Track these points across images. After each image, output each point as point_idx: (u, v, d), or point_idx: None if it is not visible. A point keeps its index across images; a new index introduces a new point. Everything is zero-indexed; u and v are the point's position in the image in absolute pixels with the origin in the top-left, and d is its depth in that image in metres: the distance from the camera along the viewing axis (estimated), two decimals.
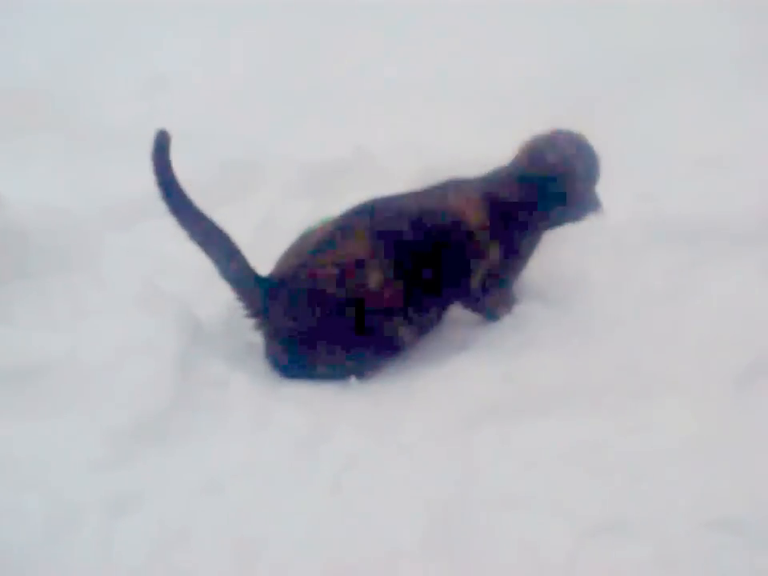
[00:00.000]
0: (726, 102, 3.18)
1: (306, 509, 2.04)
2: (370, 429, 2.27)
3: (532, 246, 2.69)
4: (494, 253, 2.59)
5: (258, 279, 2.50)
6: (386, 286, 2.47)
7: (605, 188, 2.64)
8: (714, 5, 3.51)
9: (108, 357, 2.34)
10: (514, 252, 2.64)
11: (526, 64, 3.11)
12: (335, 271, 2.46)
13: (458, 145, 2.94)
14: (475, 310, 2.67)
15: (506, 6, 3.21)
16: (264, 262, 2.67)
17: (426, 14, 3.34)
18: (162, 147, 2.45)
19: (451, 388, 2.38)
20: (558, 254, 2.73)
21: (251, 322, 2.50)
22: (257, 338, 2.53)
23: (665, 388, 2.33)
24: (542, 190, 2.62)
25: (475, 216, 2.58)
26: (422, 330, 2.58)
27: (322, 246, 2.50)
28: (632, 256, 2.74)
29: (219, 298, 2.58)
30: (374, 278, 2.47)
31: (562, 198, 2.63)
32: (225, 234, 2.51)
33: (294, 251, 2.55)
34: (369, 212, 2.54)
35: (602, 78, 3.14)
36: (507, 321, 2.61)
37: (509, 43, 3.18)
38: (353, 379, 2.46)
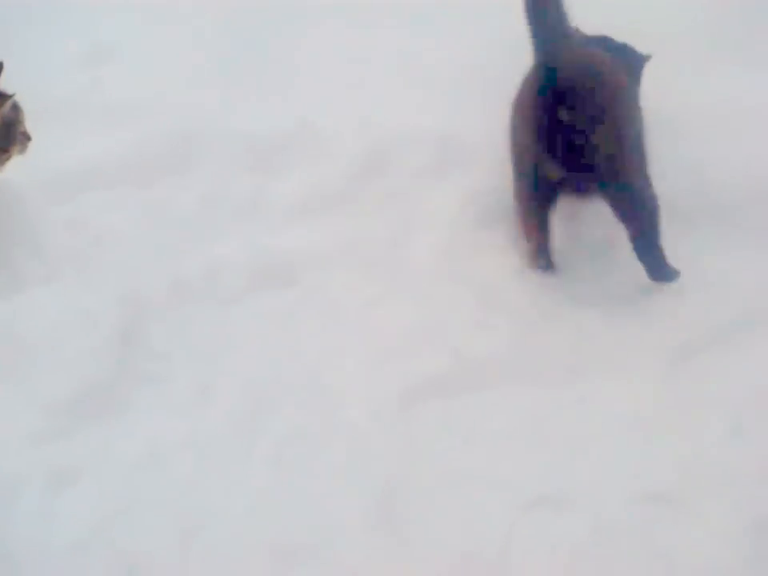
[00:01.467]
0: None
1: (247, 483, 2.05)
2: (311, 405, 2.27)
3: None
4: None
5: None
6: None
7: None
8: None
9: (48, 329, 2.33)
10: None
11: (479, 45, 3.08)
12: None
13: (405, 121, 2.92)
14: None
15: None
16: (207, 234, 2.67)
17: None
18: None
19: (395, 364, 2.37)
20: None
21: None
22: (198, 311, 2.51)
23: (603, 365, 2.36)
24: None
25: None
26: None
27: None
28: None
29: (160, 271, 2.55)
30: None
31: None
32: None
33: None
34: None
35: None
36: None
37: (462, 23, 3.16)
38: None
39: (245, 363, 2.38)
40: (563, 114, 2.47)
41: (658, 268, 2.54)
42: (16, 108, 2.56)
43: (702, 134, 2.82)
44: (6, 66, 2.51)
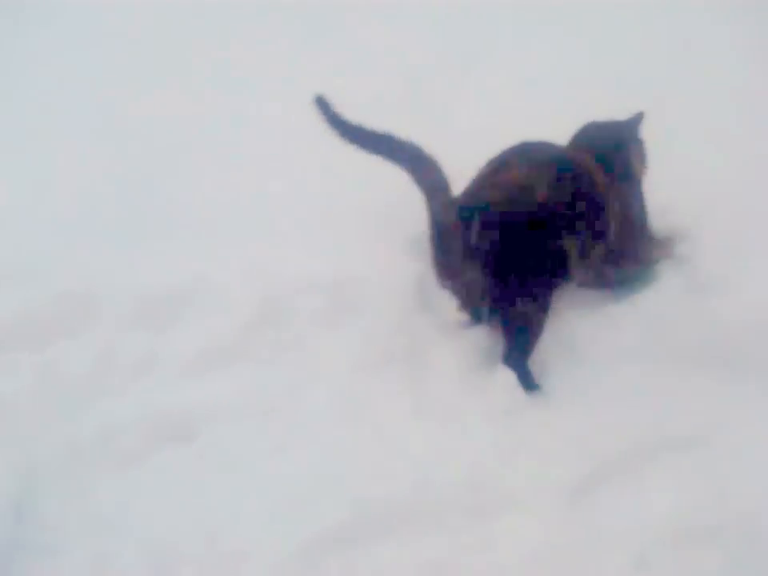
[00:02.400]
0: None
1: None
2: (209, 571, 2.25)
3: None
4: None
5: None
6: None
7: None
8: None
9: None
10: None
11: (370, 186, 3.16)
12: None
13: (299, 268, 2.96)
14: None
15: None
16: (103, 395, 2.64)
17: (264, 139, 3.37)
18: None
19: (294, 517, 2.35)
20: None
21: None
22: (94, 475, 2.47)
23: (504, 503, 2.37)
24: None
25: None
26: None
27: None
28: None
29: (54, 437, 2.52)
30: None
31: None
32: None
33: None
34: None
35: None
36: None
37: (350, 164, 3.23)
38: None
39: (142, 528, 2.33)
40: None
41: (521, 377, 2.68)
42: None
43: None
44: None
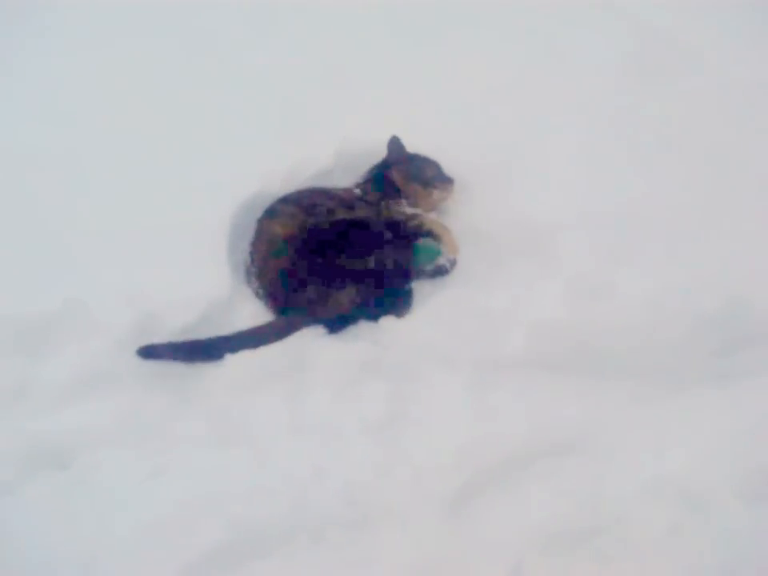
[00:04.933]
0: None
1: None
2: None
3: None
4: None
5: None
6: None
7: None
8: None
9: None
10: None
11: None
12: None
13: (174, 289, 2.93)
14: None
15: None
16: None
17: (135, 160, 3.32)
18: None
19: (172, 542, 2.33)
20: None
21: None
22: None
23: (382, 517, 2.38)
24: None
25: None
26: None
27: None
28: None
29: None
30: None
31: None
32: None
33: None
34: None
35: None
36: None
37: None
38: None
39: (14, 561, 2.29)
40: None
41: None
42: None
43: None
44: None
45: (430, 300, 3.08)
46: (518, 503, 2.42)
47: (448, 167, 3.33)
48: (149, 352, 2.80)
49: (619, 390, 2.67)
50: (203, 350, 2.84)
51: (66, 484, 2.49)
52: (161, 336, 2.84)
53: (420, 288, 3.13)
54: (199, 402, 2.70)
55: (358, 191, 3.28)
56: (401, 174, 3.31)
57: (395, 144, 3.32)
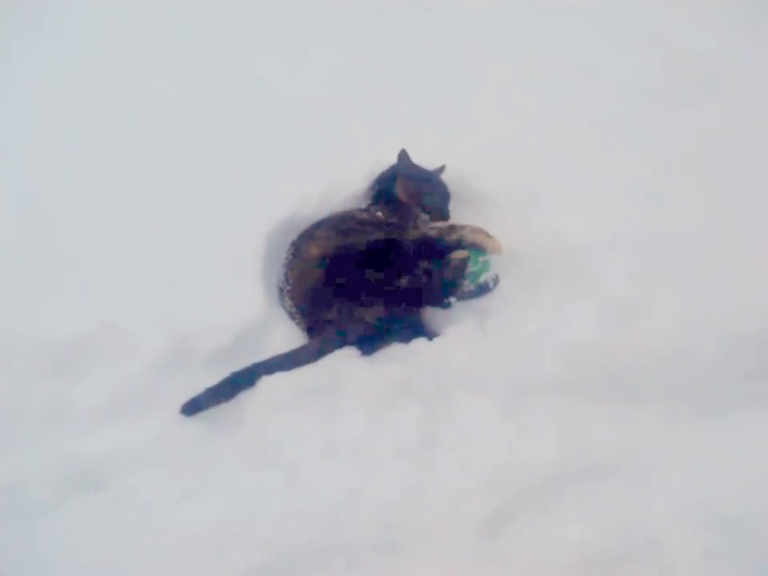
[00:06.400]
0: None
1: None
2: None
3: None
4: None
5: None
6: None
7: None
8: None
9: None
10: None
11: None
12: None
13: (209, 311, 2.95)
14: None
15: None
16: (11, 446, 2.60)
17: (171, 185, 3.35)
18: None
19: (206, 563, 2.34)
20: None
21: None
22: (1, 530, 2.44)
23: (416, 539, 2.38)
24: None
25: None
26: None
27: None
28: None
29: None
30: None
31: None
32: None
33: None
34: None
35: None
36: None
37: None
38: None
39: None
40: None
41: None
42: None
43: None
44: None
45: (461, 322, 3.08)
46: (552, 527, 2.42)
47: (482, 190, 3.33)
48: (193, 407, 2.78)
49: (654, 413, 2.65)
50: (240, 381, 2.84)
51: (102, 506, 2.51)
52: (196, 357, 2.86)
53: (450, 310, 3.14)
54: (234, 424, 2.72)
55: (380, 215, 3.25)
56: (404, 192, 3.29)
57: (403, 157, 3.30)
